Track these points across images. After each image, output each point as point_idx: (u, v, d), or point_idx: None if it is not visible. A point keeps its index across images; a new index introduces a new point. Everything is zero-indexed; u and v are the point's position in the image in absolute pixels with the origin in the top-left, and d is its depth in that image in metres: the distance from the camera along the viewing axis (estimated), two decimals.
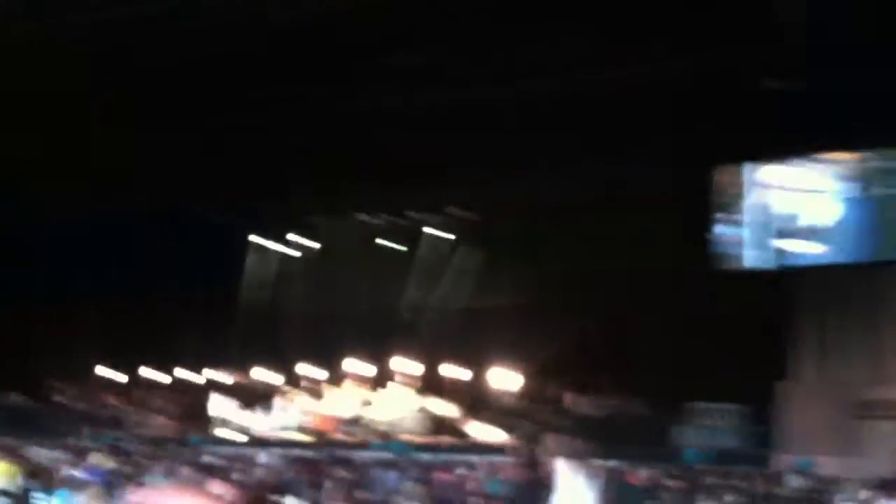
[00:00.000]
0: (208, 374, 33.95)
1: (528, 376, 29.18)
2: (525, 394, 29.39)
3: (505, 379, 28.65)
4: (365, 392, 30.53)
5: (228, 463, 21.59)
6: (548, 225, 27.12)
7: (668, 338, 24.34)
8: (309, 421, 29.99)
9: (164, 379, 34.38)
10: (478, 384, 29.74)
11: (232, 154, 26.28)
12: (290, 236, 33.29)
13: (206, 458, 22.47)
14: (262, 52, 20.77)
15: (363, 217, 31.66)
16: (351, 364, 31.17)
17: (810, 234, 21.94)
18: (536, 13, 19.25)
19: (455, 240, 31.20)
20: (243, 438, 29.23)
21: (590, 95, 22.04)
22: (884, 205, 21.14)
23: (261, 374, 32.40)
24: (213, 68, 21.41)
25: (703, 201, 23.27)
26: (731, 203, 22.90)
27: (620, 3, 19.08)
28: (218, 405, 31.29)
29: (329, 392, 30.96)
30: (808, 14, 19.32)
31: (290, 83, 22.25)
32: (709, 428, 24.20)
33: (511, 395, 29.26)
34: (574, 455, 8.19)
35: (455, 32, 20.21)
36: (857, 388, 21.78)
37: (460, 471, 20.89)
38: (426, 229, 31.32)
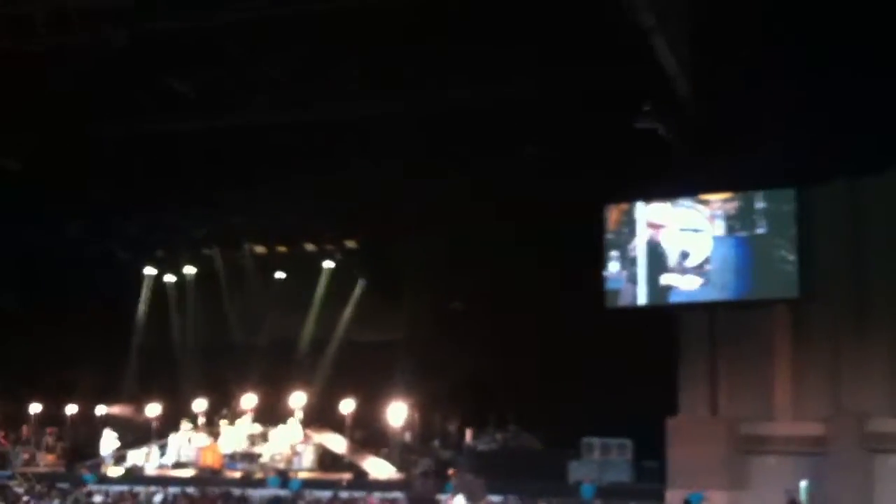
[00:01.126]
0: (100, 409, 33.18)
1: (424, 412, 29.26)
2: (421, 429, 29.46)
3: (401, 414, 28.63)
4: (260, 428, 30.18)
5: (120, 501, 21.12)
6: (443, 259, 27.38)
7: (561, 374, 24.72)
8: (203, 457, 29.48)
9: (55, 415, 33.45)
10: (374, 420, 29.67)
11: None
12: (186, 269, 32.86)
13: (98, 497, 21.98)
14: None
15: (259, 249, 31.49)
16: (246, 400, 30.82)
17: (695, 272, 22.54)
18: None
19: (354, 274, 31.20)
20: (136, 475, 28.55)
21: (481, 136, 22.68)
22: (759, 244, 21.88)
23: (154, 409, 31.77)
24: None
25: (593, 239, 23.78)
26: (619, 241, 23.40)
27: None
28: (109, 442, 30.55)
29: (224, 428, 30.52)
30: (692, 65, 20.12)
31: None
32: (602, 462, 24.55)
33: (406, 430, 29.26)
34: (470, 490, 8.20)
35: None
36: (745, 423, 22.35)
37: None
38: (324, 262, 31.24)
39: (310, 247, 30.71)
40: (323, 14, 18.82)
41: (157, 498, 23.05)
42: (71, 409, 33.17)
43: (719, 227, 22.48)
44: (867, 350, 21.06)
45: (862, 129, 19.55)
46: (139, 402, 32.43)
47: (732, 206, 22.39)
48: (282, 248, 31.17)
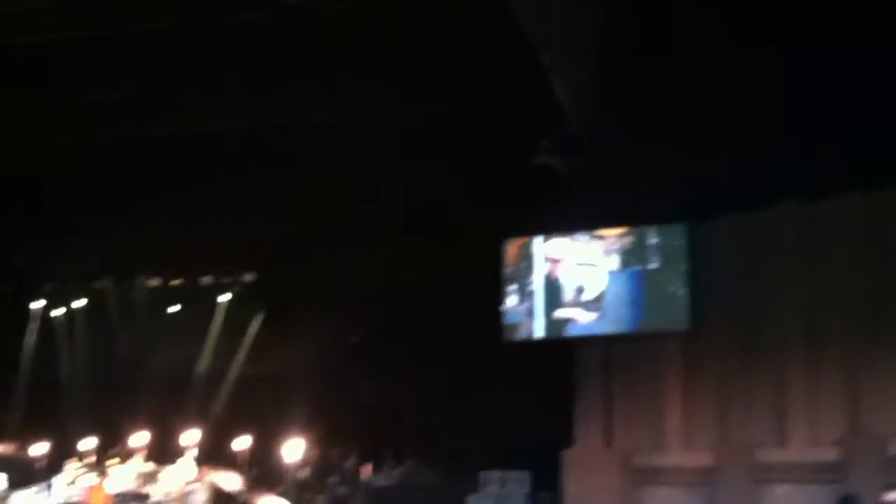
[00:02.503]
0: None
1: (321, 448, 28.95)
2: (318, 466, 29.12)
3: (298, 451, 28.26)
4: (151, 466, 29.42)
5: None
6: (340, 292, 27.31)
7: (460, 407, 24.81)
8: (91, 498, 28.60)
9: None
10: (270, 456, 29.23)
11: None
12: (74, 303, 32.05)
13: None
14: None
15: (151, 280, 30.93)
16: (137, 437, 30.06)
17: (591, 305, 22.99)
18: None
19: (246, 306, 30.85)
20: None
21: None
22: (652, 278, 22.44)
23: (40, 448, 30.74)
24: None
25: (491, 273, 24.05)
26: (517, 275, 23.74)
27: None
28: None
29: (113, 467, 29.68)
30: (589, 102, 20.63)
31: None
32: (500, 496, 24.63)
33: (303, 467, 28.89)
34: None
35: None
36: (639, 454, 22.73)
37: None
38: (222, 295, 30.84)
39: (206, 279, 30.28)
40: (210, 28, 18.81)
41: None
42: None
43: (614, 262, 23.02)
44: (754, 382, 21.66)
45: (752, 166, 20.20)
46: (25, 440, 31.33)
47: (627, 241, 22.96)
48: (176, 281, 30.64)
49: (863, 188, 20.48)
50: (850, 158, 19.53)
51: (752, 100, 19.94)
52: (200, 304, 30.81)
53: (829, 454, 20.18)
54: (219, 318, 30.99)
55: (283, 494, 28.20)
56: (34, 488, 29.55)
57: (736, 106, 20.02)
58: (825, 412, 20.64)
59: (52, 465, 30.36)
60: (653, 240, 22.66)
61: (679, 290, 22.18)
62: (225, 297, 30.82)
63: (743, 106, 19.98)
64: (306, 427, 28.22)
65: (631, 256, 22.82)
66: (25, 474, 30.56)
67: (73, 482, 29.47)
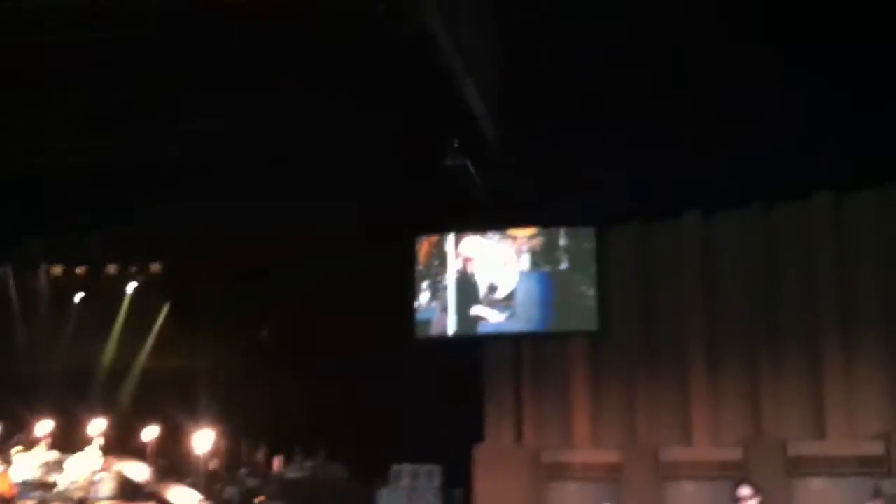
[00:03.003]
0: None
1: (231, 440, 28.88)
2: (228, 457, 29.06)
3: (207, 442, 28.15)
4: (56, 456, 28.98)
5: None
6: (251, 284, 27.16)
7: (372, 402, 24.95)
8: None
9: None
10: (178, 448, 29.07)
11: None
12: None
13: None
14: None
15: (57, 270, 30.24)
16: (41, 426, 29.55)
17: (501, 304, 23.33)
18: None
19: (157, 297, 30.44)
20: None
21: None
22: (562, 279, 22.89)
23: None
24: None
25: (404, 269, 24.20)
26: (430, 273, 23.94)
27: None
28: None
29: (16, 456, 29.15)
30: (500, 104, 20.75)
31: None
32: (411, 490, 24.91)
33: (212, 459, 28.80)
34: None
35: None
36: (548, 451, 23.28)
37: None
38: (128, 285, 30.34)
39: (111, 269, 29.74)
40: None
41: None
42: None
43: (525, 262, 23.41)
44: (658, 382, 22.46)
45: (658, 175, 20.69)
46: None
47: (537, 242, 23.37)
48: (80, 270, 30.02)
49: (762, 200, 21.28)
50: (749, 171, 20.24)
51: (659, 108, 20.32)
52: (105, 294, 30.26)
53: (732, 453, 20.95)
54: (124, 309, 30.51)
55: (191, 485, 28.12)
56: None
57: (643, 116, 20.40)
58: (727, 413, 21.47)
59: None
60: (563, 241, 23.10)
61: (588, 291, 22.68)
62: (130, 288, 30.31)
63: (650, 116, 20.36)
64: (216, 419, 28.14)
65: (541, 257, 23.25)
66: None
67: None
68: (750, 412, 21.08)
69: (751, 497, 7.45)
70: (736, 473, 20.44)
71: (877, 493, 17.77)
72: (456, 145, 22.14)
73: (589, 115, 20.99)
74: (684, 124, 19.88)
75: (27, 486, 28.34)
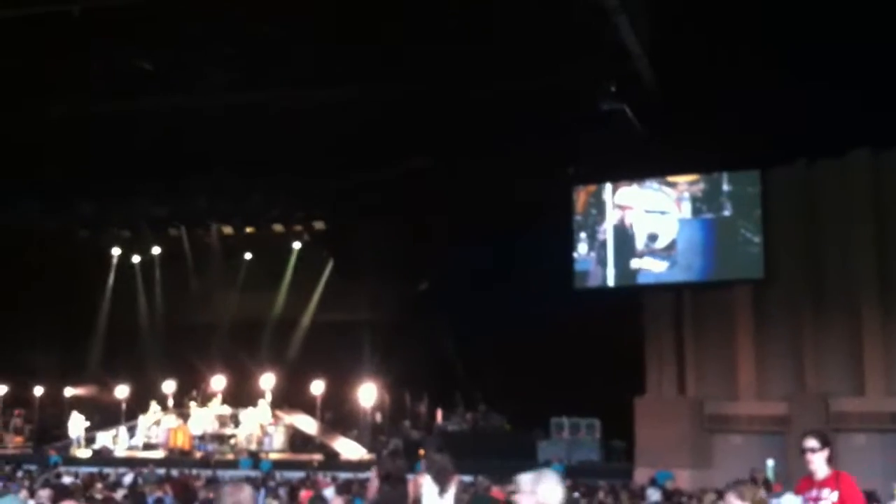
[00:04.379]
0: (68, 391, 33.02)
1: (394, 393, 29.37)
2: (391, 410, 29.58)
3: (371, 395, 28.74)
4: (230, 410, 30.15)
5: (89, 482, 21.00)
6: (409, 240, 27.46)
7: (531, 355, 24.90)
8: (172, 439, 29.45)
9: (21, 397, 33.26)
10: (344, 401, 29.78)
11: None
12: (153, 250, 32.68)
13: (67, 479, 21.82)
14: None
15: (226, 230, 31.32)
16: (215, 381, 30.79)
17: (662, 254, 22.84)
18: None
19: (322, 255, 31.17)
20: (104, 457, 28.47)
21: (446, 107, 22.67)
22: (724, 226, 22.20)
23: (122, 391, 31.68)
24: None
25: (563, 221, 23.98)
26: (587, 224, 23.64)
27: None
28: (78, 423, 30.44)
29: (193, 410, 30.49)
30: (656, 45, 20.23)
31: None
32: (571, 442, 24.78)
33: (377, 411, 29.37)
34: (438, 470, 8.32)
35: None
36: (710, 402, 22.69)
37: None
38: (293, 244, 31.18)
39: (278, 228, 30.61)
40: None
41: (127, 479, 22.96)
42: (38, 390, 32.97)
43: (686, 210, 22.82)
44: (827, 330, 21.51)
45: (824, 113, 19.77)
46: (107, 383, 32.27)
47: (698, 189, 22.74)
48: (249, 229, 31.02)
49: None
50: None
51: (825, 50, 19.46)
52: (273, 251, 31.18)
53: None
54: (291, 266, 31.36)
55: (356, 438, 28.77)
56: (116, 429, 30.56)
57: (808, 55, 19.56)
58: None
59: (134, 407, 31.33)
60: (726, 187, 22.40)
61: (752, 237, 21.95)
62: (297, 246, 31.12)
63: (816, 55, 19.51)
64: (379, 373, 28.66)
65: (703, 204, 22.61)
66: (109, 416, 31.58)
67: (155, 423, 30.41)
68: None
69: (818, 450, 6.94)
70: None
71: None
72: (613, 90, 21.75)
73: (747, 50, 20.33)
74: (853, 60, 18.96)
75: (203, 439, 29.66)
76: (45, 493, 11.67)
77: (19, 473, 21.99)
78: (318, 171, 26.16)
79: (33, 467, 24.57)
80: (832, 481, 6.80)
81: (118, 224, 31.51)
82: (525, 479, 5.41)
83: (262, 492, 19.09)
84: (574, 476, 22.36)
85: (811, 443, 6.89)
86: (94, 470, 24.92)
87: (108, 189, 27.83)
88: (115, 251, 32.93)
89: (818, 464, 6.79)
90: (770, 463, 19.68)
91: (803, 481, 6.91)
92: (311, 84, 21.77)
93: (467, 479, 19.69)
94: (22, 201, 27.92)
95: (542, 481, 5.35)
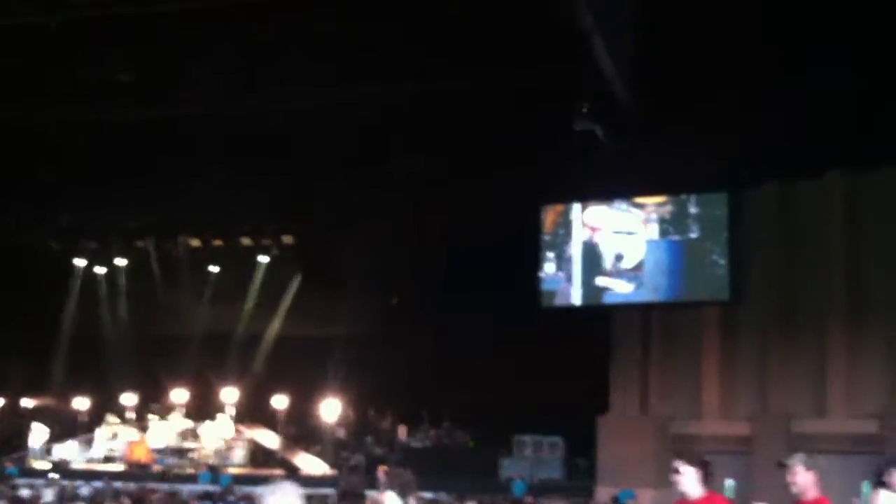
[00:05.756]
0: (27, 402, 32.60)
1: (357, 408, 29.24)
2: (355, 426, 29.43)
3: (334, 411, 28.59)
4: (191, 423, 29.90)
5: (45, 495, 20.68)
6: (380, 256, 27.34)
7: (495, 372, 24.87)
8: (132, 452, 29.14)
9: None
10: (307, 416, 29.59)
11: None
12: (116, 261, 32.35)
13: (23, 491, 21.49)
14: None
15: (192, 241, 31.08)
16: (177, 394, 30.52)
17: (629, 274, 22.88)
18: None
19: (290, 269, 31.00)
20: (62, 469, 28.08)
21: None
22: (691, 248, 22.29)
23: (83, 402, 31.31)
24: None
25: (530, 239, 23.98)
26: (555, 242, 23.65)
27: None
28: (39, 435, 30.04)
29: (153, 423, 30.20)
30: (631, 67, 20.31)
31: None
32: (534, 460, 24.74)
33: (340, 427, 29.22)
34: (401, 486, 8.21)
35: None
36: (674, 422, 22.71)
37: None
38: (260, 257, 30.99)
39: (246, 241, 30.41)
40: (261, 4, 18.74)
41: (84, 491, 22.67)
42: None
43: (653, 231, 22.87)
44: (793, 352, 21.59)
45: (795, 133, 19.90)
46: (67, 395, 31.92)
47: (666, 210, 22.80)
48: (217, 242, 30.81)
49: None
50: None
51: (798, 71, 19.60)
52: (240, 265, 30.99)
53: (868, 426, 20.05)
54: (258, 280, 31.18)
55: (319, 453, 28.60)
56: (76, 441, 30.20)
57: (782, 76, 19.71)
58: (865, 384, 20.52)
59: (94, 419, 30.99)
60: (693, 209, 22.47)
61: (719, 259, 22.00)
62: (264, 259, 30.95)
63: (789, 75, 19.65)
64: (343, 388, 28.52)
65: (670, 225, 22.65)
66: (68, 427, 31.22)
67: (114, 436, 30.07)
68: (889, 383, 20.09)
69: (681, 473, 6.96)
70: (873, 448, 19.68)
71: None
72: (585, 110, 21.80)
73: (722, 75, 20.45)
74: (827, 82, 19.08)
75: (163, 453, 29.37)
76: None
77: None
78: (289, 184, 26.08)
79: None
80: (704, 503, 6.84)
81: (87, 235, 31.21)
82: (265, 490, 5.35)
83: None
84: (536, 493, 22.37)
85: (676, 464, 6.93)
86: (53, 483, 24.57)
87: (81, 200, 27.56)
88: (80, 262, 32.56)
89: (687, 485, 6.81)
90: (729, 483, 19.70)
91: (678, 502, 6.94)
92: (287, 96, 21.71)
93: (429, 495, 19.66)
94: None
95: (277, 492, 5.29)
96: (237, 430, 29.46)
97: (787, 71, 19.60)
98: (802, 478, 7.04)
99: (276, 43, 20.46)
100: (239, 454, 29.03)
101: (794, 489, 7.09)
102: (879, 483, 9.21)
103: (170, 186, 26.53)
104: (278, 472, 26.44)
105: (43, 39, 18.92)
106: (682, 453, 7.08)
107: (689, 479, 6.83)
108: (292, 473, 26.37)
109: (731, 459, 21.26)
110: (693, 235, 22.41)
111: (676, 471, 6.89)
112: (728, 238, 21.98)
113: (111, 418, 30.41)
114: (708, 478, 6.87)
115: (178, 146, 24.56)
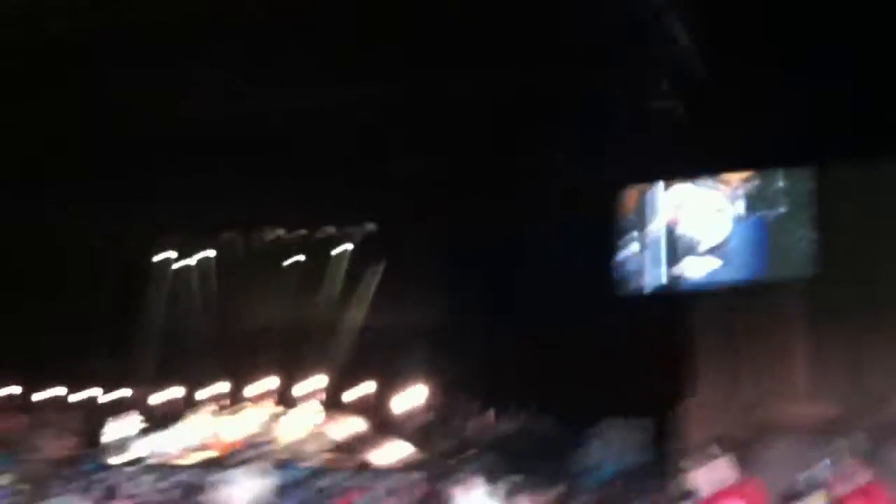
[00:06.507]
0: (109, 394, 33.28)
1: (444, 394, 29.22)
2: (441, 412, 29.43)
3: (420, 397, 28.63)
4: (270, 413, 30.20)
5: (131, 486, 21.14)
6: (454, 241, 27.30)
7: (582, 357, 24.64)
8: (212, 443, 29.54)
9: (63, 399, 33.53)
10: (392, 403, 29.70)
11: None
12: (195, 254, 32.81)
13: (108, 482, 21.97)
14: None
15: (266, 232, 31.36)
16: (262, 384, 30.88)
17: (710, 254, 22.41)
18: None
19: (360, 255, 31.10)
20: (145, 462, 28.62)
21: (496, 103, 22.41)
22: (775, 225, 21.72)
23: (164, 395, 31.86)
24: None
25: (610, 221, 23.65)
26: (637, 224, 23.28)
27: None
28: (119, 427, 30.63)
29: (239, 413, 30.60)
30: (707, 42, 19.86)
31: None
32: (622, 444, 24.49)
33: (425, 413, 29.26)
34: (490, 471, 8.15)
35: None
36: (759, 406, 22.24)
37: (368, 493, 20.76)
38: (331, 246, 31.14)
39: (327, 230, 30.61)
40: None
41: (167, 484, 23.07)
42: (87, 394, 33.22)
43: (738, 207, 22.32)
44: (884, 333, 20.96)
45: (883, 106, 19.26)
46: (156, 387, 32.50)
47: (751, 186, 22.21)
48: (299, 232, 31.06)
49: None
50: None
51: (884, 37, 18.93)
52: (323, 254, 31.21)
53: None
54: (341, 269, 31.35)
55: (406, 440, 28.64)
56: (166, 432, 30.73)
57: (868, 44, 19.04)
58: None
59: (182, 411, 31.48)
60: (780, 184, 21.88)
61: (806, 236, 21.40)
62: (346, 247, 31.11)
63: (876, 44, 18.99)
64: (429, 374, 28.54)
65: (756, 202, 22.07)
66: (157, 419, 31.79)
67: (202, 427, 30.54)
68: None
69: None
70: None
71: None
72: (664, 87, 21.43)
73: (805, 45, 19.85)
74: None
75: (252, 442, 29.73)
76: (93, 496, 11.83)
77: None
78: (366, 173, 26.07)
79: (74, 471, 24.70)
80: (738, 491, 6.62)
81: (171, 229, 31.70)
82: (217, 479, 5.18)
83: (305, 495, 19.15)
84: (624, 478, 22.15)
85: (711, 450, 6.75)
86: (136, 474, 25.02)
87: (162, 193, 27.92)
88: (165, 255, 33.10)
89: (721, 471, 6.60)
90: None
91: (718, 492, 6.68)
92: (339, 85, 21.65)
93: (517, 479, 19.59)
94: (72, 204, 28.12)
95: (237, 482, 5.13)
96: (322, 419, 29.68)
97: (870, 42, 18.93)
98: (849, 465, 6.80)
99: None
100: (324, 443, 29.24)
101: None
102: None
103: (252, 180, 26.77)
104: (364, 460, 26.58)
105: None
106: (718, 440, 6.96)
107: (724, 466, 6.70)
108: (378, 462, 26.49)
109: (820, 444, 20.89)
110: (779, 211, 21.83)
111: (713, 456, 6.76)
112: (815, 214, 21.37)
113: (199, 409, 30.90)
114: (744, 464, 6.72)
115: (257, 141, 24.73)
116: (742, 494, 6.52)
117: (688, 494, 18.88)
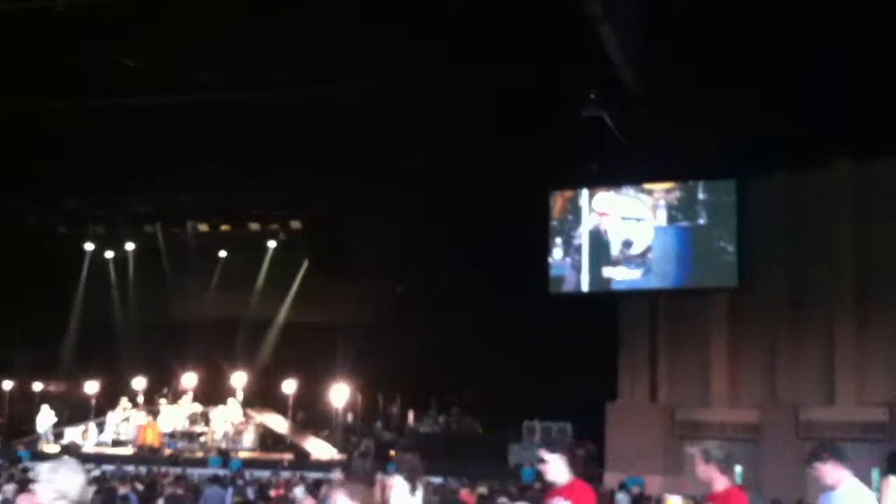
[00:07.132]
0: (37, 386, 32.76)
1: (366, 394, 29.30)
2: (364, 411, 29.52)
3: (343, 396, 28.65)
4: (201, 407, 29.98)
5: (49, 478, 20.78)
6: (388, 241, 27.36)
7: (504, 358, 24.91)
8: (142, 436, 29.25)
9: None
10: (316, 401, 29.67)
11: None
12: (127, 245, 32.47)
13: (33, 474, 21.62)
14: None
15: (202, 227, 31.10)
16: (187, 378, 30.61)
17: (637, 260, 22.89)
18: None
19: (298, 254, 31.05)
20: (72, 453, 28.21)
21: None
22: (700, 234, 22.28)
23: (93, 386, 31.44)
24: None
25: (538, 226, 23.99)
26: (563, 228, 23.67)
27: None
28: (46, 418, 30.17)
29: (164, 407, 30.29)
30: (639, 54, 20.21)
31: None
32: (542, 446, 24.72)
33: (349, 412, 29.30)
34: (409, 471, 8.27)
35: None
36: (682, 409, 22.77)
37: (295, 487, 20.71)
38: (268, 242, 31.05)
39: (254, 226, 30.44)
40: None
41: (94, 474, 22.79)
42: (7, 385, 32.66)
43: (661, 217, 22.89)
44: (802, 339, 21.62)
45: (804, 123, 19.83)
46: (78, 379, 32.04)
47: (674, 196, 22.82)
48: (225, 227, 30.86)
49: None
50: None
51: (808, 57, 19.49)
52: (249, 250, 31.05)
53: (877, 414, 20.08)
54: (266, 265, 31.25)
55: (328, 438, 28.67)
56: (86, 425, 30.30)
57: (791, 62, 19.60)
58: (874, 372, 20.54)
59: (105, 403, 31.09)
60: (702, 195, 22.49)
61: (727, 246, 22.04)
62: (272, 244, 31.00)
63: (798, 62, 19.54)
64: (352, 373, 28.57)
65: (679, 212, 22.68)
66: (78, 411, 31.34)
67: (125, 420, 30.18)
68: None
69: (547, 462, 6.90)
70: (882, 436, 19.72)
71: None
72: (593, 97, 21.73)
73: (731, 62, 20.36)
74: (837, 67, 18.96)
75: (174, 437, 29.46)
76: (9, 488, 11.59)
77: None
78: (301, 170, 26.03)
79: (0, 462, 24.34)
80: (567, 490, 6.85)
81: (97, 221, 31.28)
82: (43, 468, 5.39)
83: (230, 490, 19.06)
84: (544, 480, 22.43)
85: (541, 453, 6.99)
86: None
87: (92, 186, 27.57)
88: (89, 246, 32.66)
89: (553, 474, 6.84)
90: (738, 470, 19.70)
91: (550, 490, 6.98)
92: (301, 82, 21.64)
93: (437, 481, 19.72)
94: (5, 197, 27.70)
95: (60, 469, 5.33)
96: (246, 415, 29.52)
97: (795, 56, 19.48)
98: (703, 471, 7.04)
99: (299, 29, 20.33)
100: (248, 438, 29.08)
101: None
102: (890, 470, 9.23)
103: (179, 172, 26.56)
104: (288, 456, 26.53)
105: (47, 25, 18.87)
106: (547, 444, 7.13)
107: (554, 467, 6.87)
108: (302, 458, 26.47)
109: (739, 447, 21.42)
110: (701, 222, 22.45)
111: (541, 459, 6.93)
112: (737, 225, 22.01)
113: (122, 402, 30.51)
114: (577, 465, 6.91)
115: (186, 132, 24.53)
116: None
117: (610, 496, 19.39)
